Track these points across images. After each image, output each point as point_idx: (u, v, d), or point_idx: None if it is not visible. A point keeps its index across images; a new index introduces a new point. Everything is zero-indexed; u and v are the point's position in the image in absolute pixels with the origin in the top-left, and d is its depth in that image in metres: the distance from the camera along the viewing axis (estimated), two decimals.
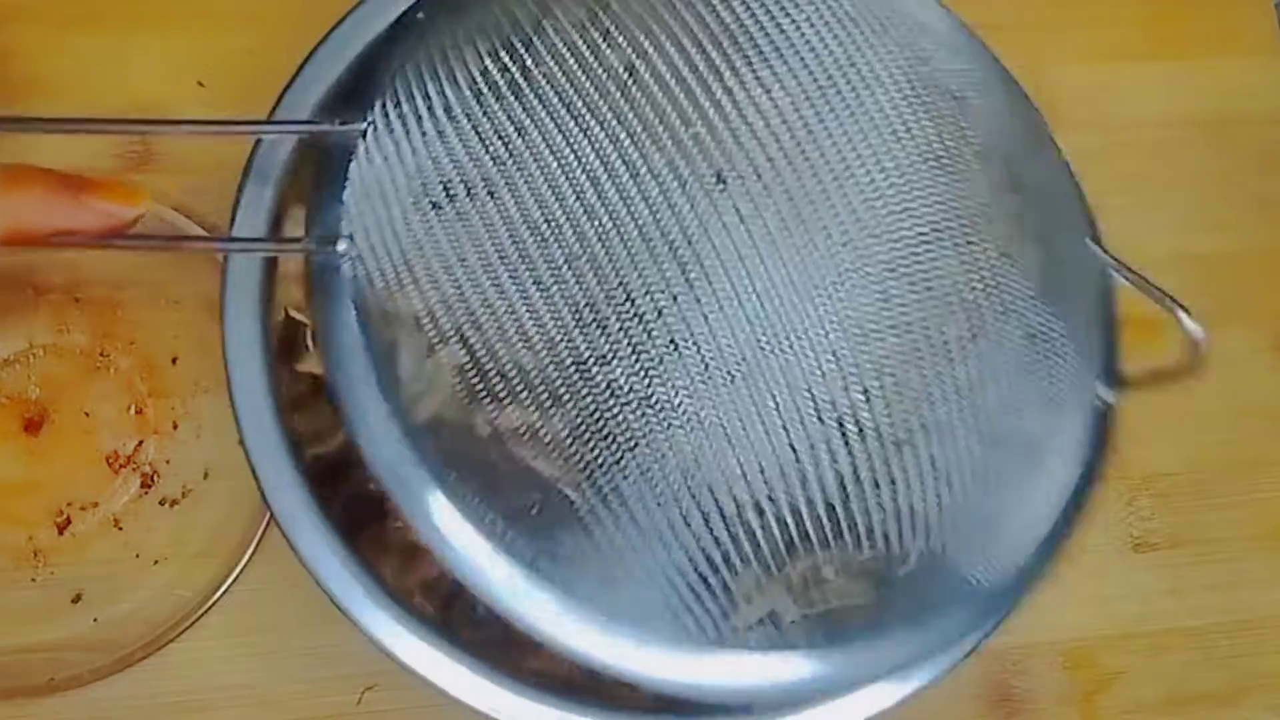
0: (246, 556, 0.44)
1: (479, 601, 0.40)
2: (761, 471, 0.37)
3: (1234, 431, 0.52)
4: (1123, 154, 0.54)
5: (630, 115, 0.34)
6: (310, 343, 0.40)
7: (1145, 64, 0.56)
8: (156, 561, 0.45)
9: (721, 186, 0.34)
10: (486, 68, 0.34)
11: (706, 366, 0.34)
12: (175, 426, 0.46)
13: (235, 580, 0.44)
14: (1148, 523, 0.50)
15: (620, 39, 0.34)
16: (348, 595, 0.35)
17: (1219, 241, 0.54)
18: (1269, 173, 0.55)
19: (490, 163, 0.33)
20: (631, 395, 0.33)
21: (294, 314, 0.39)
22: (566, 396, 0.33)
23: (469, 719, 0.35)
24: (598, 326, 0.33)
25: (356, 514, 0.38)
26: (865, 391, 0.35)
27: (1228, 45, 0.57)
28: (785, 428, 0.35)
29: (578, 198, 0.33)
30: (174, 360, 0.47)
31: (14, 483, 0.45)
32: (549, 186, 0.33)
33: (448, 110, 0.33)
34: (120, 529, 0.45)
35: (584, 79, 0.34)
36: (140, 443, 0.46)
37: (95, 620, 0.44)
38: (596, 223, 0.33)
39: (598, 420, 0.34)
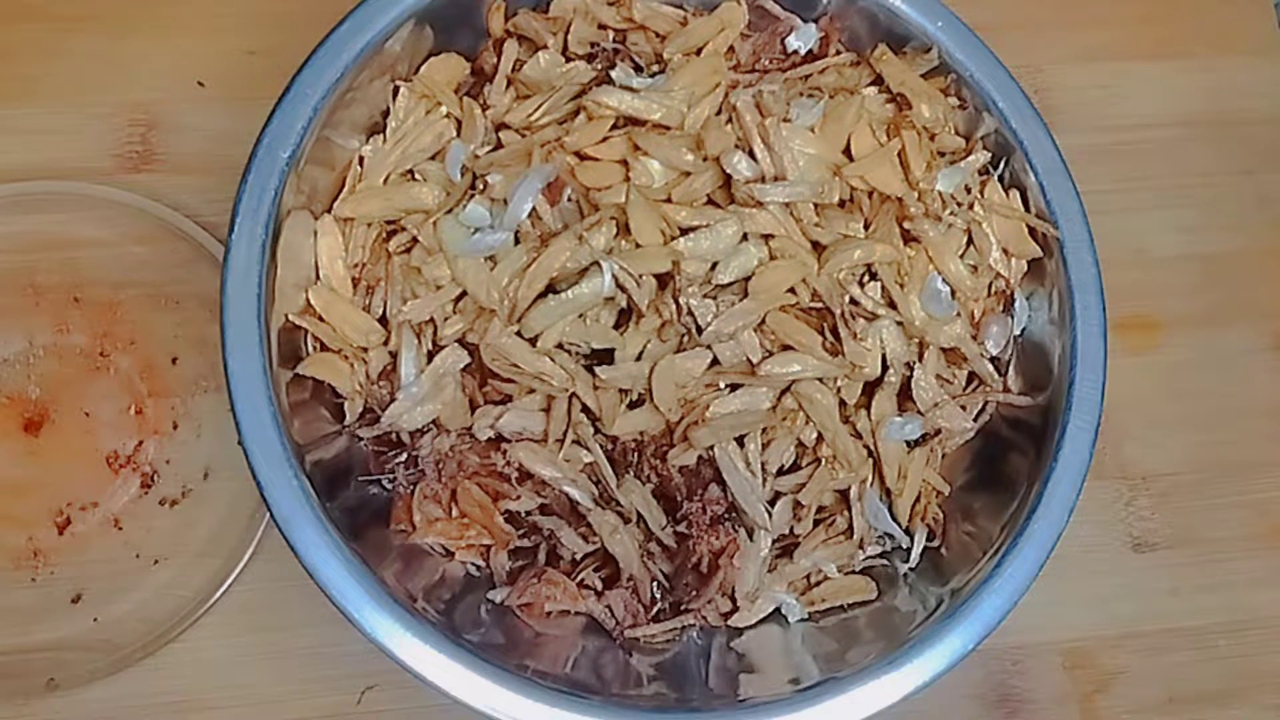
0: (246, 556, 0.44)
1: (481, 604, 0.40)
2: None
3: (1234, 431, 0.52)
4: (1123, 154, 0.54)
5: None
6: (310, 348, 0.40)
7: (1145, 64, 0.56)
8: (156, 561, 0.45)
9: None
10: None
11: None
12: (175, 426, 0.46)
13: (235, 580, 0.44)
14: (1148, 523, 0.50)
15: None
16: (347, 596, 0.35)
17: (1219, 241, 0.54)
18: (1269, 173, 0.55)
19: None
20: None
21: (295, 320, 0.39)
22: None
23: (469, 719, 0.35)
24: None
25: (357, 517, 0.38)
26: None
27: (1228, 45, 0.57)
28: None
29: None
30: (174, 360, 0.47)
31: (14, 483, 0.45)
32: None
33: None
34: (120, 529, 0.45)
35: None
36: (140, 443, 0.46)
37: (95, 620, 0.44)
38: None
39: None
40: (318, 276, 0.40)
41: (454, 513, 0.40)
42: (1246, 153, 0.55)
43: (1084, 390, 0.40)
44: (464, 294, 0.40)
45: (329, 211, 0.41)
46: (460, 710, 0.35)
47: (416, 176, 0.42)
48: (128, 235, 0.47)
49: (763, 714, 0.36)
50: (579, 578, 0.40)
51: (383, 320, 0.41)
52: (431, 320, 0.40)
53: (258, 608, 0.45)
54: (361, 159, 0.42)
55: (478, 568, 0.41)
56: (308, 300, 0.40)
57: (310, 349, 0.40)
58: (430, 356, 0.40)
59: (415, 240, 0.41)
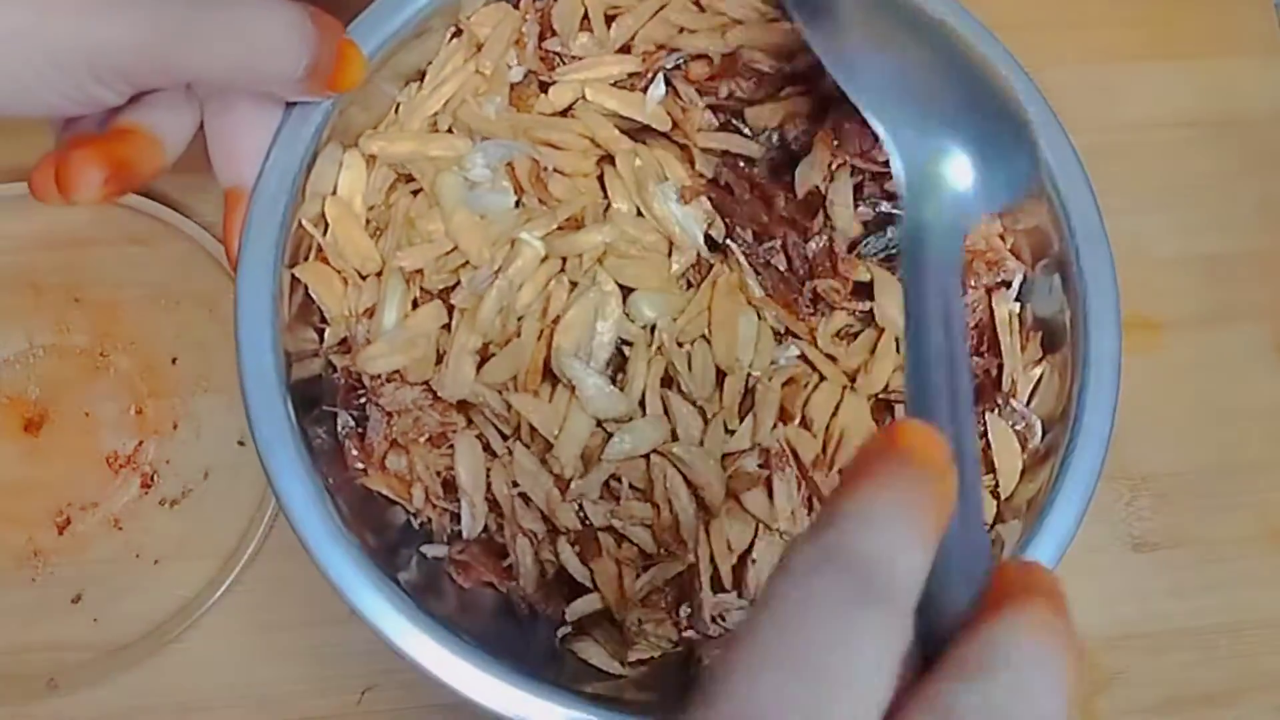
0: (246, 556, 0.44)
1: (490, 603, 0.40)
2: None
3: (1234, 431, 0.52)
4: (1123, 154, 0.54)
5: None
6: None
7: (1145, 64, 0.56)
8: (156, 561, 0.45)
9: None
10: None
11: None
12: (175, 426, 0.46)
13: (235, 580, 0.44)
14: (1148, 523, 0.50)
15: None
16: (357, 592, 0.35)
17: (1219, 242, 0.54)
18: (1269, 173, 0.55)
19: None
20: None
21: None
22: None
23: (470, 718, 0.35)
24: None
25: (365, 511, 0.38)
26: None
27: (1228, 45, 0.57)
28: None
29: None
30: (174, 360, 0.47)
31: (14, 483, 0.45)
32: None
33: None
34: (120, 529, 0.45)
35: None
36: (140, 443, 0.46)
37: (95, 620, 0.44)
38: None
39: None
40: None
41: (387, 467, 0.40)
42: (1246, 153, 0.55)
43: (1096, 401, 0.40)
44: (453, 250, 0.40)
45: (355, 145, 0.40)
46: (460, 711, 0.35)
47: (453, 130, 0.41)
48: (127, 235, 0.47)
49: None
50: (508, 561, 0.40)
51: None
52: (421, 271, 0.40)
53: (258, 608, 0.45)
54: (398, 106, 0.41)
55: (415, 518, 0.41)
56: (322, 211, 0.39)
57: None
58: (416, 304, 0.40)
59: (420, 191, 0.40)
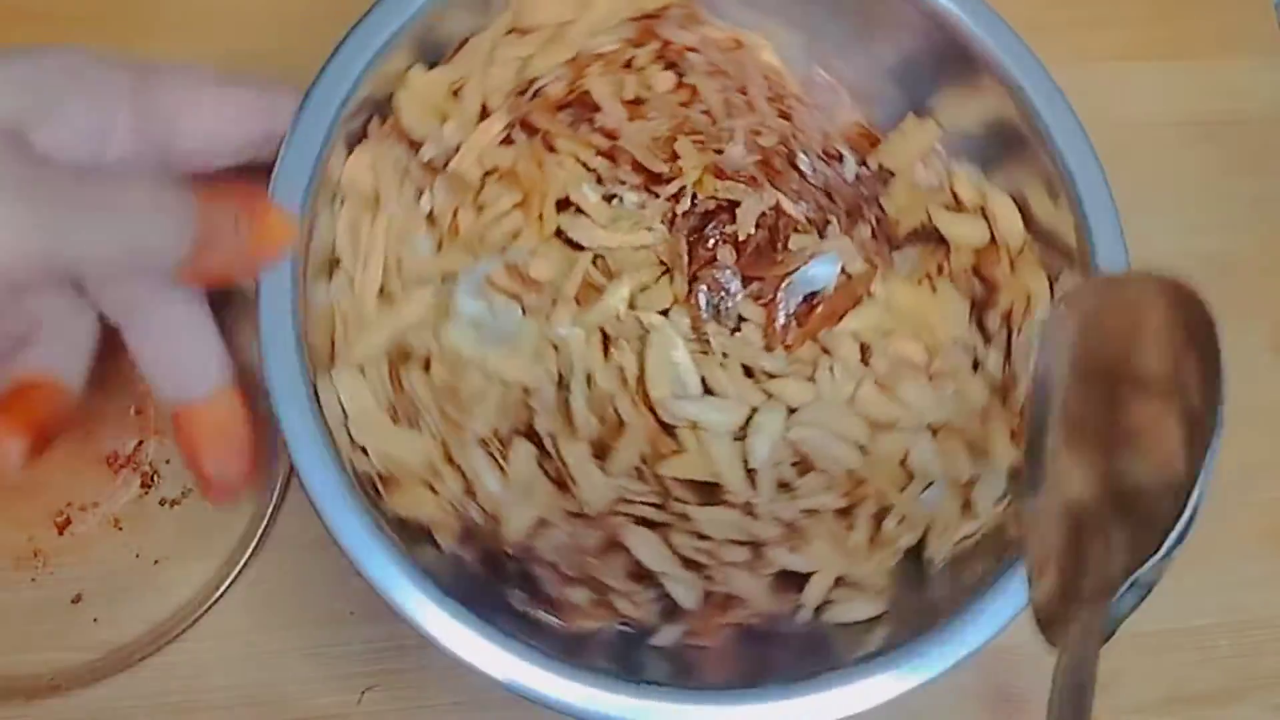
0: (246, 556, 0.44)
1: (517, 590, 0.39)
2: None
3: (1234, 431, 0.51)
4: (1123, 154, 0.54)
5: None
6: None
7: (1145, 64, 0.56)
8: (156, 561, 0.45)
9: None
10: None
11: None
12: None
13: (235, 580, 0.44)
14: None
15: None
16: (389, 583, 0.33)
17: (1218, 241, 0.54)
18: (1269, 173, 0.55)
19: None
20: None
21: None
22: None
23: (471, 718, 0.35)
24: None
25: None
26: None
27: (1228, 45, 0.57)
28: None
29: None
30: None
31: (14, 483, 0.45)
32: None
33: None
34: (120, 529, 0.45)
35: None
36: (140, 443, 0.46)
37: (95, 620, 0.44)
38: None
39: None
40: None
41: (584, 599, 0.38)
42: (1247, 153, 0.55)
43: None
44: (505, 387, 0.38)
45: (334, 368, 0.37)
46: (462, 711, 0.35)
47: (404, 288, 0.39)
48: None
49: (764, 699, 0.36)
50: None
51: None
52: (495, 430, 0.38)
53: (258, 608, 0.45)
54: (336, 310, 0.38)
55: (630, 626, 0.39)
56: (351, 439, 0.36)
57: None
58: (504, 457, 0.38)
59: (428, 362, 0.38)
